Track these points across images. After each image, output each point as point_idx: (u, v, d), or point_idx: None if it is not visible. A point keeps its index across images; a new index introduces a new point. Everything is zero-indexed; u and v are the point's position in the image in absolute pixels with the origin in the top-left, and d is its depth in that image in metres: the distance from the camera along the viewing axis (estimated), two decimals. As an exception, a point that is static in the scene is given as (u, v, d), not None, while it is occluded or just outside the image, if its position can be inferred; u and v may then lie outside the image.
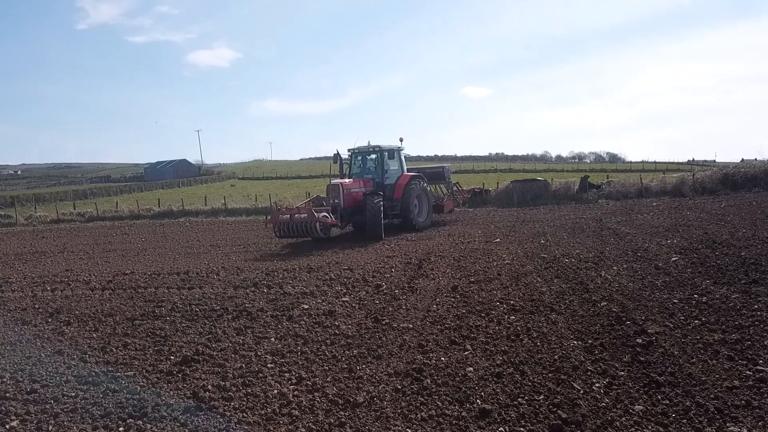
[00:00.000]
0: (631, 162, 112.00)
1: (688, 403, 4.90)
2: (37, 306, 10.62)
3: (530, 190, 30.64)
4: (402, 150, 20.91)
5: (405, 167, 21.08)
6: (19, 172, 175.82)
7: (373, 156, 20.39)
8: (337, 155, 20.03)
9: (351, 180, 19.30)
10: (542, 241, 15.45)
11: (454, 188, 24.56)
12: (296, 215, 17.43)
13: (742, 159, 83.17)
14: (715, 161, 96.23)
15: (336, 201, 18.03)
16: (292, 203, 29.79)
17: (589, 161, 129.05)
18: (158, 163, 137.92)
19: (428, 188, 21.05)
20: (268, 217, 19.01)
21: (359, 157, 20.71)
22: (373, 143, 20.63)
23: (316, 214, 17.01)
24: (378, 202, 18.11)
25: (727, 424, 4.54)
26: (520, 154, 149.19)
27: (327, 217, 17.14)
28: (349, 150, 20.55)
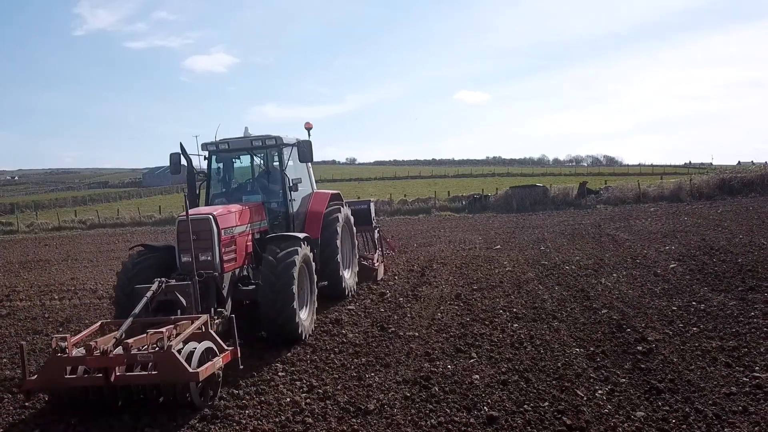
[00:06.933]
0: (628, 165, 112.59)
1: (687, 410, 5.10)
2: (46, 315, 10.79)
3: (529, 196, 30.95)
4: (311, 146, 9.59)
5: (314, 180, 11.15)
6: (16, 178, 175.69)
7: (266, 157, 9.90)
8: (182, 154, 9.30)
9: (225, 207, 8.39)
10: (542, 248, 15.67)
11: (377, 235, 13.93)
12: (122, 365, 5.64)
13: (739, 162, 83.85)
14: (711, 164, 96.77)
15: (204, 257, 7.60)
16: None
17: (586, 164, 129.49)
18: (156, 168, 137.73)
19: (352, 220, 11.57)
20: (31, 376, 5.84)
21: (231, 161, 10.15)
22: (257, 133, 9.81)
23: (182, 360, 5.54)
24: (290, 255, 7.84)
25: (725, 430, 4.73)
26: (517, 158, 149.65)
27: (214, 350, 6.11)
28: (206, 146, 9.68)
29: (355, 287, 11.09)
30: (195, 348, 5.89)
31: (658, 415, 5.07)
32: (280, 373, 6.77)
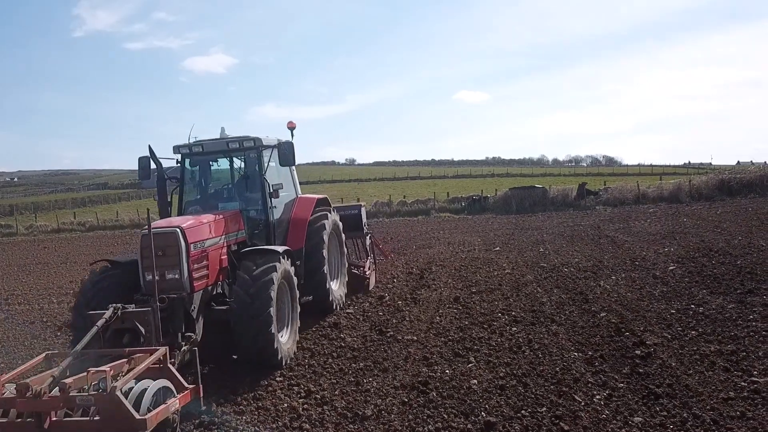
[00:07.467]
0: (627, 165, 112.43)
1: (685, 415, 5.10)
2: (45, 319, 10.78)
3: (528, 197, 30.91)
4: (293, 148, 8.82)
5: (298, 184, 10.32)
6: (15, 179, 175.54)
7: (245, 160, 9.18)
8: (151, 158, 8.66)
9: (195, 218, 7.52)
10: (541, 250, 15.66)
11: (369, 241, 12.79)
12: (59, 410, 4.83)
13: (738, 162, 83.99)
14: (711, 164, 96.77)
15: (171, 276, 6.81)
16: None
17: (585, 165, 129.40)
18: (156, 169, 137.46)
19: (341, 226, 10.79)
20: None
21: (208, 165, 9.41)
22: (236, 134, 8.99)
23: (128, 403, 4.75)
24: (267, 273, 7.07)
25: (723, 435, 4.73)
26: (516, 158, 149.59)
27: (171, 389, 5.35)
28: (179, 149, 8.77)
29: (344, 298, 10.29)
30: (147, 388, 5.04)
31: (655, 421, 5.06)
32: (277, 378, 6.77)
